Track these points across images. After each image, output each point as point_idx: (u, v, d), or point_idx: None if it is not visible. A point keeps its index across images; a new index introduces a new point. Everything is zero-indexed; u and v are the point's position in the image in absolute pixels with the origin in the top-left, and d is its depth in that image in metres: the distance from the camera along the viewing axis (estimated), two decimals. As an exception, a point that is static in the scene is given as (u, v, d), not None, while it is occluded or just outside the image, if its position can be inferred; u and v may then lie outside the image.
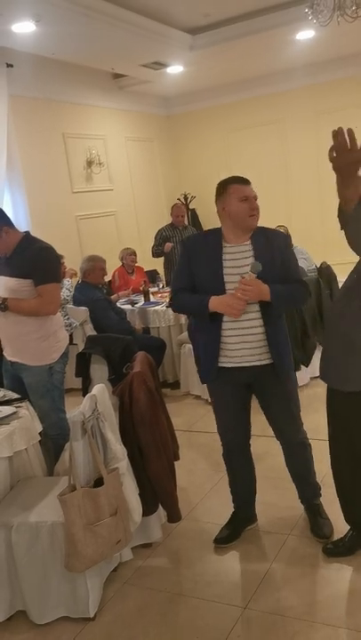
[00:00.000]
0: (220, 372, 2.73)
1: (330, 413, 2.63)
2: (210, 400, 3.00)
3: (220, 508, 3.25)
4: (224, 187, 2.69)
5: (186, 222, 7.25)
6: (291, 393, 2.83)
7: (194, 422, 4.64)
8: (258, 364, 2.69)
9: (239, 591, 2.60)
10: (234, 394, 2.80)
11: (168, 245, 6.88)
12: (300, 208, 8.39)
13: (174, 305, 2.86)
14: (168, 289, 6.12)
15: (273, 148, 8.66)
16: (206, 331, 2.72)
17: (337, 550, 2.74)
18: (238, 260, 2.65)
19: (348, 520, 2.75)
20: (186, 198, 9.19)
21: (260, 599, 2.53)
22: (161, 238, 6.97)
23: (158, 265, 7.38)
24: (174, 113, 9.39)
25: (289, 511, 3.07)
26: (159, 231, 7.04)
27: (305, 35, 6.48)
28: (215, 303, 2.61)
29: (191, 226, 7.46)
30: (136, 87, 8.06)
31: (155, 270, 7.38)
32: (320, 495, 3.01)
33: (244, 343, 2.67)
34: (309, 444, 2.96)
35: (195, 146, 9.40)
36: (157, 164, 9.20)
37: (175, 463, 3.17)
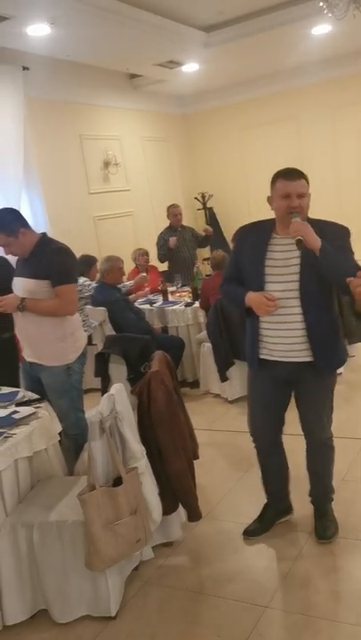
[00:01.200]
0: (262, 362, 2.75)
1: None
2: (247, 390, 2.97)
3: (241, 507, 3.24)
4: (273, 180, 2.65)
5: (183, 223, 7.02)
6: (327, 392, 2.80)
7: (213, 421, 4.63)
8: (299, 360, 2.66)
9: (261, 589, 2.58)
10: (273, 389, 2.79)
11: (173, 240, 6.67)
12: (318, 204, 8.27)
13: (222, 294, 2.94)
14: (186, 288, 6.13)
15: (289, 144, 8.59)
16: (249, 322, 2.78)
17: None
18: (285, 253, 2.62)
19: None
20: (203, 197, 9.17)
21: (282, 597, 2.52)
22: (164, 242, 6.79)
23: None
24: (190, 112, 9.38)
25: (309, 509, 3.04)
26: (160, 236, 6.88)
27: (321, 29, 6.42)
28: (249, 298, 2.65)
29: (190, 227, 7.24)
30: (151, 87, 8.07)
31: (170, 271, 7.35)
32: (332, 499, 2.98)
33: (282, 338, 2.65)
34: (333, 446, 2.92)
35: (211, 144, 9.38)
36: (174, 163, 9.19)
37: (195, 462, 3.16)
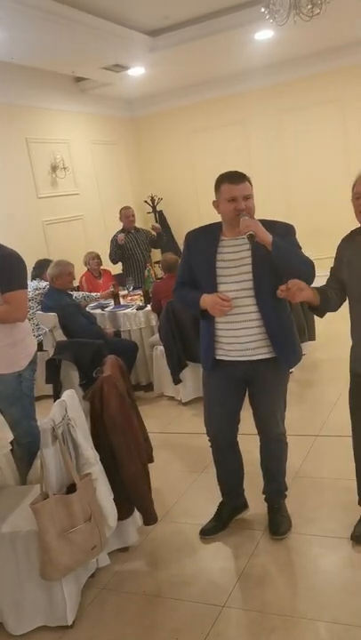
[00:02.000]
0: (217, 363, 2.78)
1: None
2: (202, 391, 2.99)
3: (197, 508, 3.26)
4: (218, 184, 2.69)
5: (136, 224, 6.93)
6: (281, 389, 2.86)
7: (168, 423, 4.64)
8: (255, 358, 2.71)
9: (218, 589, 2.60)
10: (228, 388, 2.83)
11: (121, 237, 6.59)
12: (266, 208, 8.43)
13: (176, 298, 2.94)
14: (138, 291, 6.12)
15: (237, 147, 8.70)
16: (204, 324, 2.80)
17: None
18: (235, 253, 2.67)
19: None
20: (153, 200, 9.19)
21: (238, 596, 2.54)
22: (115, 243, 6.67)
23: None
24: (138, 115, 9.38)
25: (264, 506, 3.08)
26: (113, 238, 6.77)
27: (264, 35, 6.53)
28: (203, 301, 2.68)
29: (144, 229, 7.17)
30: (98, 90, 8.03)
31: (124, 273, 7.33)
32: (285, 496, 3.04)
33: (238, 337, 2.70)
34: (286, 442, 2.98)
35: (160, 147, 9.41)
36: (123, 166, 9.18)
37: (150, 465, 3.16)
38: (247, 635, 2.33)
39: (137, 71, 7.25)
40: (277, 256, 2.54)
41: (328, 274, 2.71)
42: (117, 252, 6.66)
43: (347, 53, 7.76)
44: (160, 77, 7.83)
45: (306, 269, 2.60)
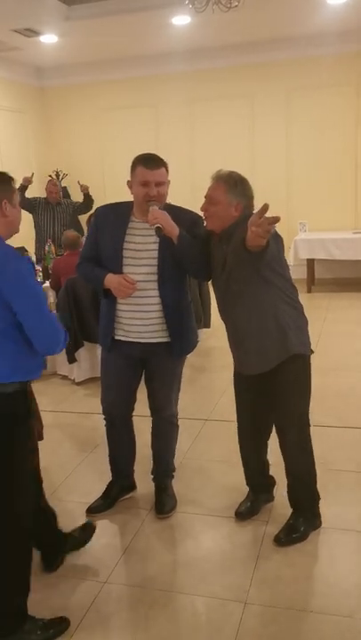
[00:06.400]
0: (115, 343, 2.79)
1: None
2: (100, 368, 2.98)
3: (84, 487, 3.25)
4: (133, 165, 2.66)
5: (60, 199, 6.84)
6: (176, 371, 2.91)
7: (60, 402, 4.58)
8: (152, 341, 2.74)
9: (100, 566, 2.62)
10: (125, 367, 2.84)
11: (26, 177, 6.51)
12: (172, 191, 8.46)
13: (78, 273, 2.89)
14: (38, 267, 5.94)
15: (146, 131, 8.66)
16: (105, 303, 2.79)
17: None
18: (144, 237, 2.67)
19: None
20: (58, 175, 8.95)
21: (120, 572, 2.58)
22: (29, 202, 6.50)
23: (28, 242, 7.05)
24: (49, 85, 9.06)
25: (151, 486, 3.14)
26: (34, 197, 6.69)
27: (181, 20, 6.54)
28: (108, 280, 2.66)
29: (66, 199, 7.08)
30: (6, 53, 7.66)
31: (22, 247, 7.09)
32: (172, 476, 3.12)
33: (136, 319, 2.72)
34: (177, 425, 3.05)
35: (69, 121, 9.15)
36: (29, 137, 8.84)
37: (39, 443, 3.10)
38: (127, 609, 2.37)
39: (50, 38, 7.02)
40: (180, 249, 2.60)
41: None
42: (22, 196, 6.42)
43: (260, 50, 7.93)
44: (74, 49, 7.61)
45: (195, 265, 2.70)
